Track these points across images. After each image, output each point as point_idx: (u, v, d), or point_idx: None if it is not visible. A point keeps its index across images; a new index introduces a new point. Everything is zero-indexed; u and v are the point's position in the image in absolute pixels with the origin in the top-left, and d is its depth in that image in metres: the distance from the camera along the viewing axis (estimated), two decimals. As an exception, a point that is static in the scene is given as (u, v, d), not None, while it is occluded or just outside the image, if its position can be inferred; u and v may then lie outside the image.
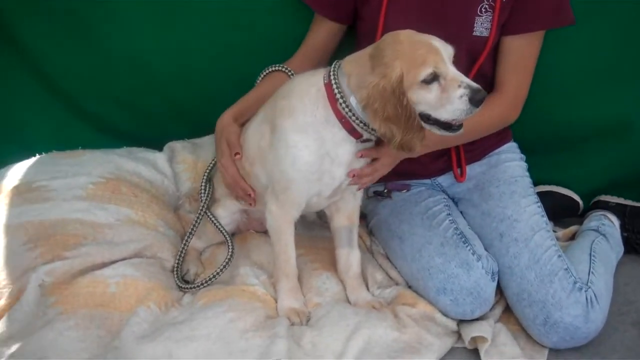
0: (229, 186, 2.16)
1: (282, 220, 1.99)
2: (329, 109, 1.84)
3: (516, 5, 2.07)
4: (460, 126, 1.78)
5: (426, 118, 1.77)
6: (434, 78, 1.71)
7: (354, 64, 1.82)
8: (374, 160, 1.97)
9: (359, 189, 2.06)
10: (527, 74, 2.17)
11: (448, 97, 1.72)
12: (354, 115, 1.81)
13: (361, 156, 1.93)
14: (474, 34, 2.08)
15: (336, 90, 1.81)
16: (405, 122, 1.72)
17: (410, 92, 1.72)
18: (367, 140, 1.88)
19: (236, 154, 2.06)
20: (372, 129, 1.80)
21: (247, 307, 1.94)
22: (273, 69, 2.23)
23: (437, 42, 1.74)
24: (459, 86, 1.70)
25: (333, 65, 1.86)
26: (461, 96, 1.70)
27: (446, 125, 1.77)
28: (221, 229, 2.19)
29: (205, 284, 2.07)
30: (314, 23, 2.27)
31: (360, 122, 1.81)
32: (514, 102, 2.17)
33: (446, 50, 1.74)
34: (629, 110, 2.45)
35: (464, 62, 2.09)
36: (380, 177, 2.04)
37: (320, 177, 1.91)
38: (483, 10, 2.06)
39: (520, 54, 2.13)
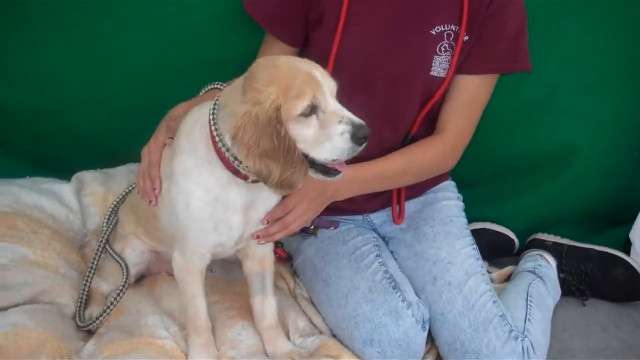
0: (140, 174, 1.90)
1: (185, 271, 1.83)
2: (210, 148, 1.65)
3: (476, 45, 1.96)
4: (337, 172, 1.61)
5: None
6: (312, 111, 1.55)
7: (229, 92, 1.64)
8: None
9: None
10: (472, 118, 2.05)
11: (327, 134, 1.55)
12: (228, 151, 1.62)
13: (267, 222, 1.78)
14: (431, 73, 1.97)
15: (214, 127, 1.62)
16: (284, 155, 1.54)
17: (286, 125, 1.55)
18: (256, 181, 1.64)
19: (169, 137, 1.82)
20: (247, 167, 1.60)
21: (153, 362, 1.78)
22: (213, 86, 1.96)
23: (318, 72, 1.56)
24: (340, 122, 1.54)
25: (217, 97, 1.68)
26: (342, 133, 1.53)
27: (324, 169, 1.60)
28: (116, 257, 2.04)
29: (103, 316, 1.95)
30: (264, 44, 2.11)
31: (236, 159, 1.62)
32: (454, 146, 2.06)
33: (328, 83, 1.57)
34: (565, 144, 2.40)
35: (418, 102, 2.02)
36: (299, 229, 1.88)
37: (216, 227, 1.74)
38: (442, 49, 1.95)
39: (471, 95, 2.02)
